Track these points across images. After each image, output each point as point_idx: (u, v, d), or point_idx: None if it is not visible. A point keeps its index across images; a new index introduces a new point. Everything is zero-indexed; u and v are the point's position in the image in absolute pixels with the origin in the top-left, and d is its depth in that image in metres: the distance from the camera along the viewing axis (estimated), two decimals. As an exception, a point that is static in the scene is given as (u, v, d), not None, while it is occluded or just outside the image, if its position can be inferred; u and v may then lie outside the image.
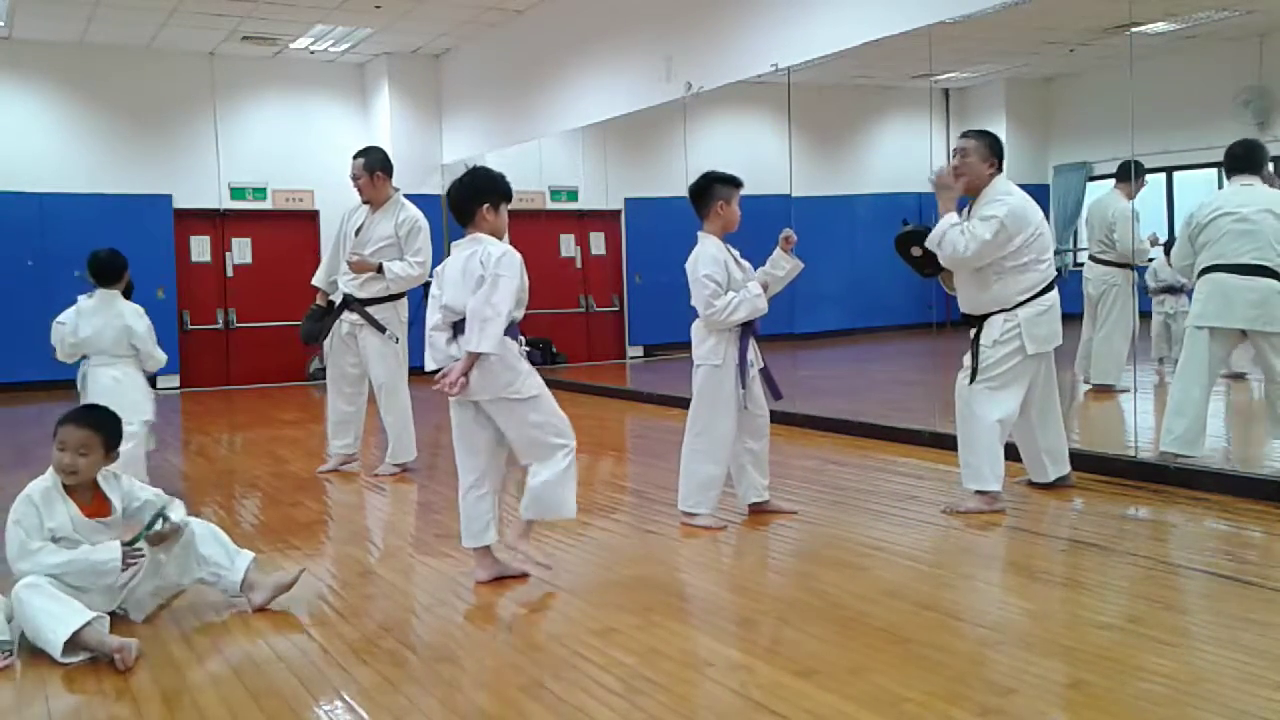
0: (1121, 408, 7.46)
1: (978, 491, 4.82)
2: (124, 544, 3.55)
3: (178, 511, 3.75)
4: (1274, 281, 5.13)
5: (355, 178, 6.34)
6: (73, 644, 3.27)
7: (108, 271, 5.74)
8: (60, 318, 5.74)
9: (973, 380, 4.85)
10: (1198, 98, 8.35)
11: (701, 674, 3.05)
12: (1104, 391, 7.74)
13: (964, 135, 4.99)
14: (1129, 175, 7.40)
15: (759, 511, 4.91)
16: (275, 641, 3.48)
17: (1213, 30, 8.17)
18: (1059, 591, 3.77)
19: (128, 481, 3.82)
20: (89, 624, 3.29)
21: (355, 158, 6.39)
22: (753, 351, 4.79)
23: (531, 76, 10.75)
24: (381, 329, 6.27)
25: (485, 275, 3.82)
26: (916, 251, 5.07)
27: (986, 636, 3.31)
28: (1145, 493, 5.10)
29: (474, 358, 3.81)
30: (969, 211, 4.93)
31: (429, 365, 4.00)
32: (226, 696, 3.02)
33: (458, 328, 3.91)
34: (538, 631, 3.57)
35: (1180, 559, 4.19)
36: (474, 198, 4.01)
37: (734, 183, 4.81)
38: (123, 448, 3.86)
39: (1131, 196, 7.58)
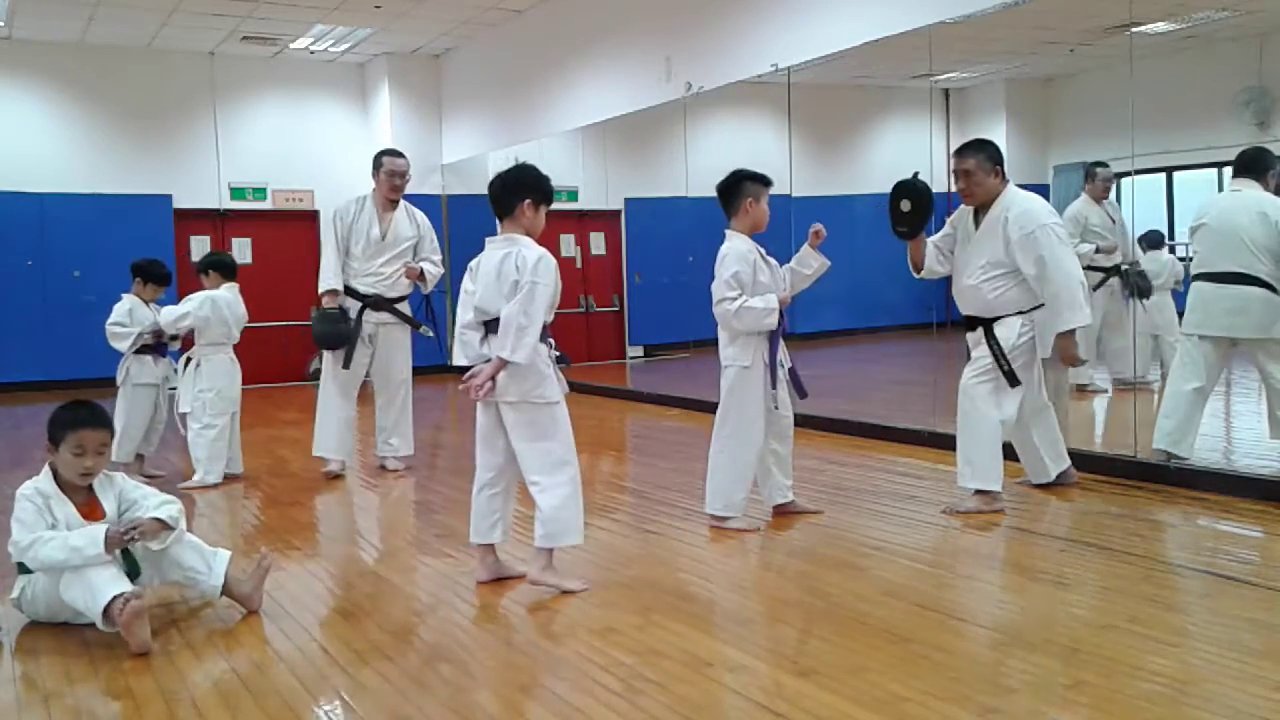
0: (1117, 408, 7.46)
1: (977, 491, 4.82)
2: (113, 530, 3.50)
3: (169, 509, 3.67)
4: (1254, 288, 5.16)
5: (406, 176, 6.42)
6: (108, 614, 3.32)
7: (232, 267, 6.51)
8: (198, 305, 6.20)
9: (1013, 384, 4.80)
10: (1198, 98, 8.35)
11: (701, 674, 3.05)
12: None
13: (960, 153, 4.93)
14: (1091, 177, 7.73)
15: (784, 513, 4.89)
16: (275, 641, 3.48)
17: (1213, 30, 8.16)
18: (1059, 592, 3.77)
19: (121, 480, 3.81)
20: (135, 597, 3.34)
21: (401, 156, 6.49)
22: (782, 352, 4.76)
23: (531, 76, 10.75)
24: (417, 324, 6.48)
25: (521, 281, 3.77)
26: (906, 206, 4.98)
27: (986, 636, 3.31)
28: (1145, 493, 5.11)
29: (503, 363, 3.77)
30: (974, 222, 4.92)
31: (459, 361, 3.97)
32: (226, 696, 3.02)
33: (489, 326, 3.87)
34: (538, 631, 3.57)
35: (1180, 559, 4.19)
36: (519, 191, 3.96)
37: (763, 181, 4.74)
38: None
39: (1098, 197, 7.71)
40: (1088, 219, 7.74)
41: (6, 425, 9.07)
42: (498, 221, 4.02)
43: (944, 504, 4.94)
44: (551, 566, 3.94)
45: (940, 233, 5.14)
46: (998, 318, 4.86)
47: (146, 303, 6.51)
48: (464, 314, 3.96)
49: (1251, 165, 5.42)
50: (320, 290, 6.32)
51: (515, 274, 3.79)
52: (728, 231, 4.74)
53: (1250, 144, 5.64)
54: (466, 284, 3.98)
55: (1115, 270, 7.67)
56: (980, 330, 4.92)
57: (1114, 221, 7.80)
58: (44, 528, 3.54)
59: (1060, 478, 5.16)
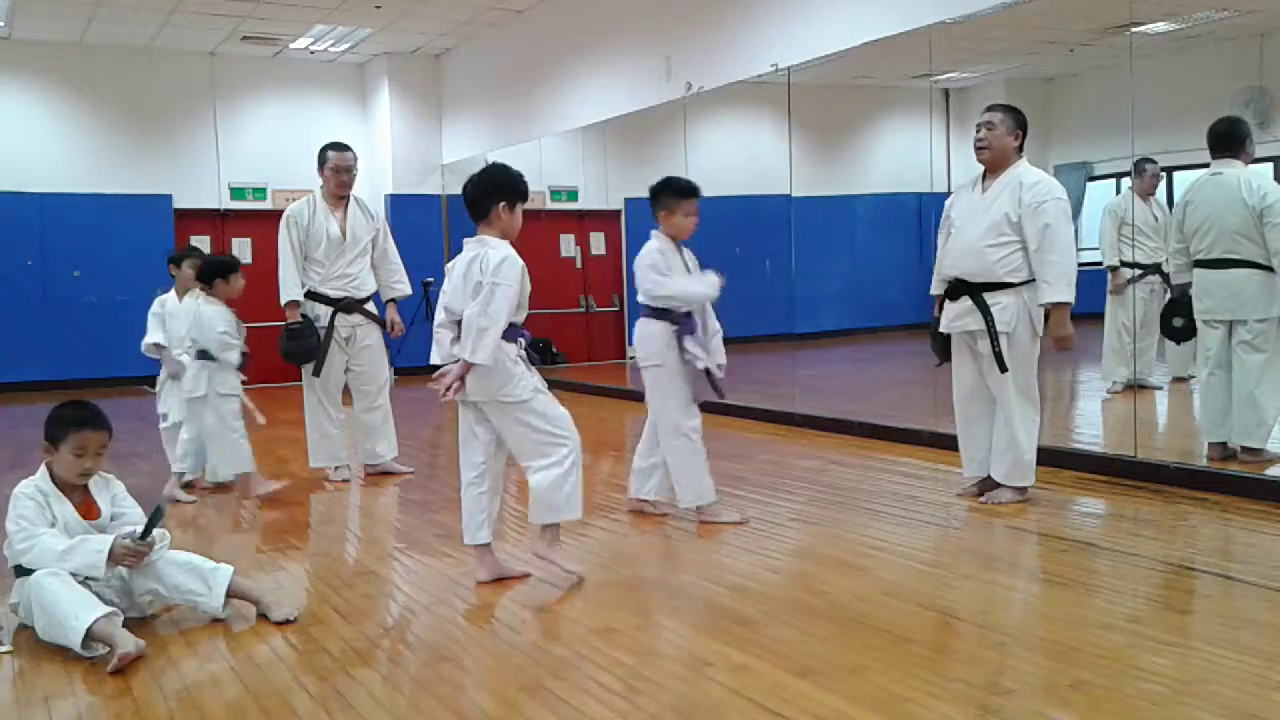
0: (1119, 408, 7.46)
1: (1016, 487, 4.90)
2: (122, 538, 3.51)
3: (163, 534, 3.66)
4: (1245, 270, 5.26)
5: (353, 170, 6.27)
6: (89, 637, 3.27)
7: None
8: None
9: (1004, 369, 4.76)
10: (1198, 98, 8.35)
11: (701, 674, 3.05)
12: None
13: (990, 108, 4.90)
14: (1140, 172, 7.60)
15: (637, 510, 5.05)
16: (275, 641, 3.48)
17: (1213, 30, 8.18)
18: (1059, 591, 3.77)
19: (116, 484, 3.80)
20: (106, 617, 3.29)
21: (347, 150, 6.29)
22: (694, 348, 4.74)
23: (531, 76, 10.75)
24: (383, 324, 6.38)
25: (484, 283, 3.81)
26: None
27: (986, 636, 3.30)
28: (1145, 493, 5.11)
29: (469, 365, 3.81)
30: (981, 187, 4.86)
31: (433, 360, 4.02)
32: (226, 696, 3.02)
33: (459, 326, 3.91)
34: (538, 631, 3.57)
35: (1180, 559, 4.18)
36: (492, 194, 3.96)
37: (688, 193, 4.81)
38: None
39: (1144, 192, 7.62)
40: (1125, 214, 7.66)
41: (6, 425, 9.06)
42: (474, 225, 4.03)
43: (943, 503, 4.94)
44: (557, 542, 4.03)
45: (940, 236, 5.10)
46: (990, 286, 4.78)
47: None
48: (438, 314, 4.02)
49: (1228, 140, 5.38)
50: (282, 302, 6.11)
51: (479, 275, 3.83)
52: (654, 233, 4.87)
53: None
54: (445, 285, 4.05)
55: (1154, 269, 7.58)
56: (966, 300, 4.84)
57: (1157, 219, 7.67)
58: (45, 525, 3.54)
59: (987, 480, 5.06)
